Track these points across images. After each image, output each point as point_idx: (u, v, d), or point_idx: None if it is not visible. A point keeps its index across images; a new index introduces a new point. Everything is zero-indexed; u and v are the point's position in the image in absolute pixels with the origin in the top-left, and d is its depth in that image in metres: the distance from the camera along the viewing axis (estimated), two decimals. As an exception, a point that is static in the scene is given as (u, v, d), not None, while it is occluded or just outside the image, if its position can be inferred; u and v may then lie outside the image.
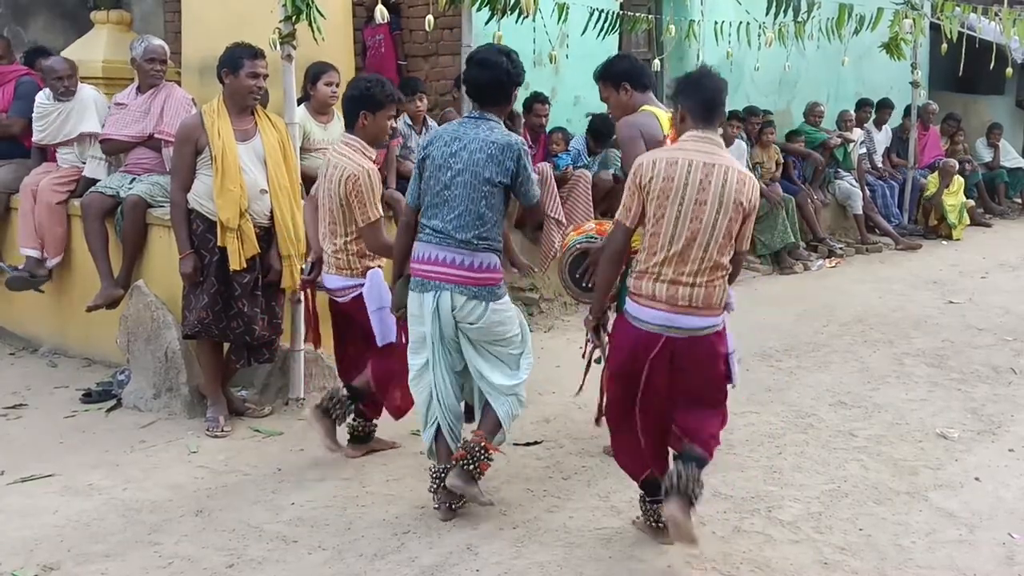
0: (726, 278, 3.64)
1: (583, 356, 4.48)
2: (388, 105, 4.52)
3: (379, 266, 4.61)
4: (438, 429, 4.15)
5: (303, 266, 5.05)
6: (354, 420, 4.79)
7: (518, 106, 7.99)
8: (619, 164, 7.67)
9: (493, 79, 4.00)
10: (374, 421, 4.87)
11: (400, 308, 4.25)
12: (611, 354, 3.85)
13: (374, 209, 4.41)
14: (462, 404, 4.23)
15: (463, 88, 6.53)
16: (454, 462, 4.02)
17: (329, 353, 5.35)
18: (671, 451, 3.84)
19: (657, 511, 3.85)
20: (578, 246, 4.65)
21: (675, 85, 3.84)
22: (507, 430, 4.18)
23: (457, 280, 3.94)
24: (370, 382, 4.63)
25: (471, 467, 3.99)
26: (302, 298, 5.16)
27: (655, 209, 3.56)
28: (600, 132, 7.87)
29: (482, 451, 4.01)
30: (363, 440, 4.86)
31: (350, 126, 4.54)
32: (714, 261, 3.56)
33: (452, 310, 3.96)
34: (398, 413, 4.75)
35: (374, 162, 6.50)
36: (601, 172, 7.90)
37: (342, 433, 4.81)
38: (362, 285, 4.52)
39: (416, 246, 4.06)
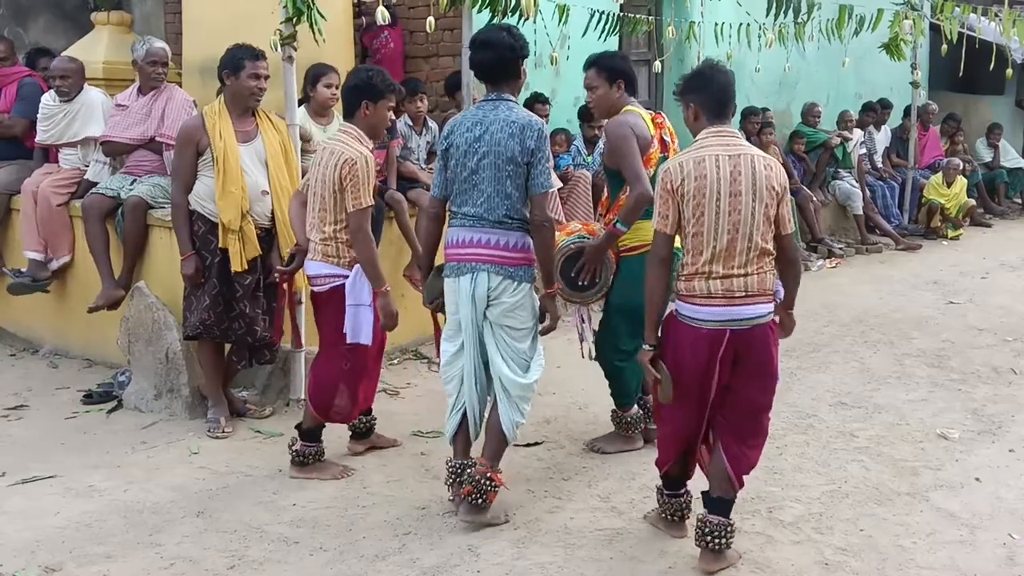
0: (773, 263, 3.67)
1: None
2: (388, 95, 4.50)
3: None
4: (462, 418, 4.16)
5: (271, 257, 5.05)
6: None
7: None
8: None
9: (498, 57, 4.03)
10: (373, 416, 4.87)
11: (433, 300, 4.28)
12: (667, 355, 3.70)
13: (367, 196, 4.34)
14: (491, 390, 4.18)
15: (457, 88, 6.58)
16: (461, 497, 4.03)
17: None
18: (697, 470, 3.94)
19: (676, 504, 3.94)
20: (571, 246, 4.62)
21: (684, 82, 3.80)
22: (513, 439, 4.16)
23: (494, 260, 3.97)
24: (307, 385, 4.57)
25: (480, 501, 4.00)
26: (282, 291, 5.11)
27: (693, 210, 3.55)
28: (592, 114, 7.86)
29: (488, 482, 4.00)
30: (363, 435, 4.86)
31: (350, 115, 4.47)
32: (760, 248, 3.60)
33: (487, 289, 3.98)
34: (339, 419, 4.61)
35: (376, 163, 6.58)
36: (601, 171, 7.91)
37: (342, 431, 4.82)
38: (345, 277, 4.39)
39: (449, 232, 4.10)
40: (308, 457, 4.58)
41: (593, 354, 4.87)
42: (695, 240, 3.58)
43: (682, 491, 3.96)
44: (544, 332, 4.20)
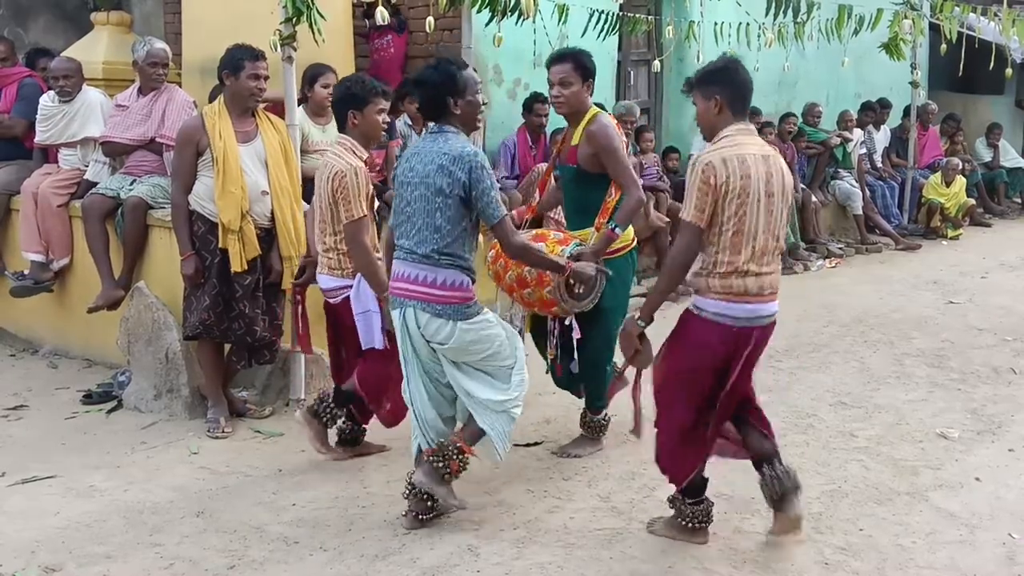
0: None
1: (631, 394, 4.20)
2: (373, 99, 4.47)
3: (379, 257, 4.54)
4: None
5: (295, 269, 5.09)
6: (343, 423, 4.78)
7: (517, 106, 8.01)
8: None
9: (425, 96, 3.96)
10: (364, 426, 4.84)
11: (391, 324, 4.26)
12: (685, 353, 3.71)
13: (359, 207, 4.34)
14: (453, 420, 4.12)
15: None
16: (424, 458, 3.96)
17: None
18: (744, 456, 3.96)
19: (701, 511, 3.89)
20: (571, 255, 4.43)
21: (707, 75, 3.75)
22: (503, 450, 4.05)
23: (419, 296, 3.87)
24: (356, 388, 4.60)
25: (440, 464, 3.92)
26: (295, 302, 5.16)
27: (736, 208, 3.55)
28: None
29: (455, 450, 3.93)
30: (351, 443, 4.84)
31: (342, 128, 4.54)
32: (779, 247, 3.71)
33: (418, 327, 3.89)
34: (387, 421, 4.69)
35: (375, 163, 6.58)
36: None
37: (333, 435, 4.83)
38: (351, 287, 4.48)
39: (392, 265, 4.05)
40: (325, 414, 4.64)
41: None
42: (734, 238, 3.58)
43: (704, 496, 3.93)
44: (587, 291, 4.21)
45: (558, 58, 4.66)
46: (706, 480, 3.91)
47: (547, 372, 4.98)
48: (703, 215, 3.57)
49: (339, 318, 4.66)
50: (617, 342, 3.96)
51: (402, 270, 3.93)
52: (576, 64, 4.60)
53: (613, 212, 4.57)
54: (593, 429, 4.93)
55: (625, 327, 3.82)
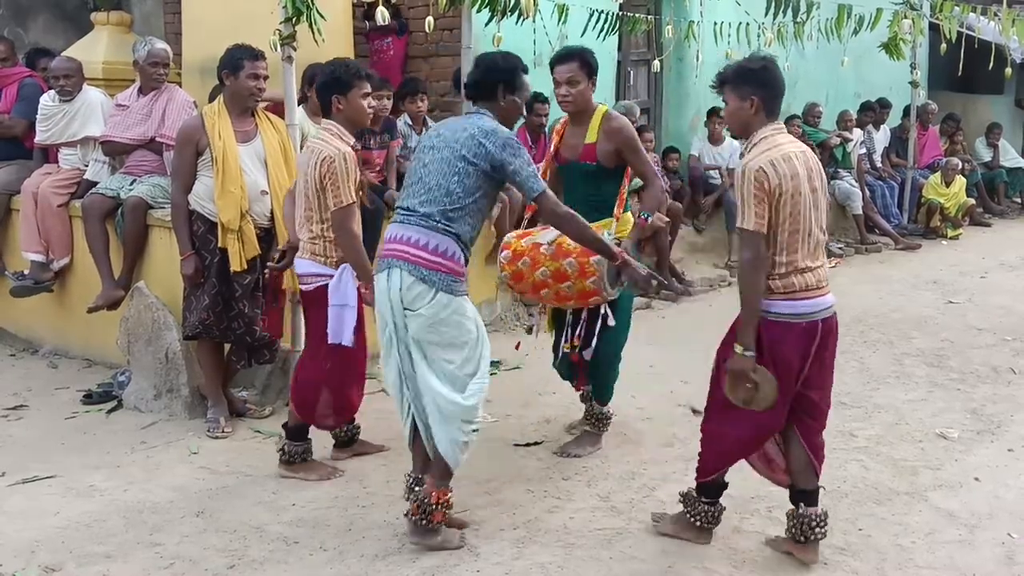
0: None
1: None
2: (357, 83, 4.36)
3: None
4: (414, 426, 3.90)
5: (273, 254, 5.01)
6: None
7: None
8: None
9: (478, 75, 3.95)
10: (357, 424, 4.82)
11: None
12: (768, 359, 3.64)
13: (348, 193, 4.28)
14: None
15: (461, 90, 6.60)
16: (409, 517, 3.84)
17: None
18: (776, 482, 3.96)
19: (713, 512, 3.90)
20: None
21: (745, 74, 3.69)
22: (456, 463, 3.82)
23: (408, 258, 3.71)
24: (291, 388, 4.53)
25: (424, 521, 3.80)
26: (281, 292, 5.10)
27: (791, 208, 3.57)
28: None
29: (433, 504, 3.79)
30: (346, 444, 4.81)
31: (327, 114, 4.43)
32: (825, 239, 3.75)
33: (400, 290, 3.71)
34: (325, 424, 4.62)
35: (376, 163, 6.58)
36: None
37: (325, 438, 4.82)
38: (331, 276, 4.37)
39: (386, 229, 3.91)
40: (294, 456, 4.57)
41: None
42: (791, 238, 3.60)
43: (719, 500, 3.94)
44: (655, 289, 4.06)
45: (563, 57, 4.68)
46: (726, 484, 3.93)
47: (556, 365, 5.00)
48: (763, 221, 3.55)
49: (307, 305, 4.57)
50: (728, 388, 3.71)
51: (396, 232, 3.79)
52: (582, 62, 4.63)
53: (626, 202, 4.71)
54: (598, 422, 4.94)
55: (736, 367, 3.61)
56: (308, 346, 4.61)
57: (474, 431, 3.84)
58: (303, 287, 4.54)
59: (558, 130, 4.87)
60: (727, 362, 3.68)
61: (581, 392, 5.09)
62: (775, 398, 3.62)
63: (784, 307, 3.61)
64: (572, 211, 3.96)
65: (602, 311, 4.65)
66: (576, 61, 4.62)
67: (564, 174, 4.83)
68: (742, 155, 3.75)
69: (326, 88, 4.39)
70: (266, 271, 5.09)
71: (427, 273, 3.71)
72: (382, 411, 5.53)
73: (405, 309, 3.74)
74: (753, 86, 3.65)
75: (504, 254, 4.60)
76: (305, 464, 4.61)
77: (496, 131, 3.79)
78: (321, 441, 4.80)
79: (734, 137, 3.72)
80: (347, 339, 4.35)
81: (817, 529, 3.74)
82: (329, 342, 4.38)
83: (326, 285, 4.38)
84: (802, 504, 3.77)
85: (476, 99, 3.94)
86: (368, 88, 4.46)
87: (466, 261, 3.82)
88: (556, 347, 4.94)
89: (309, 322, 4.58)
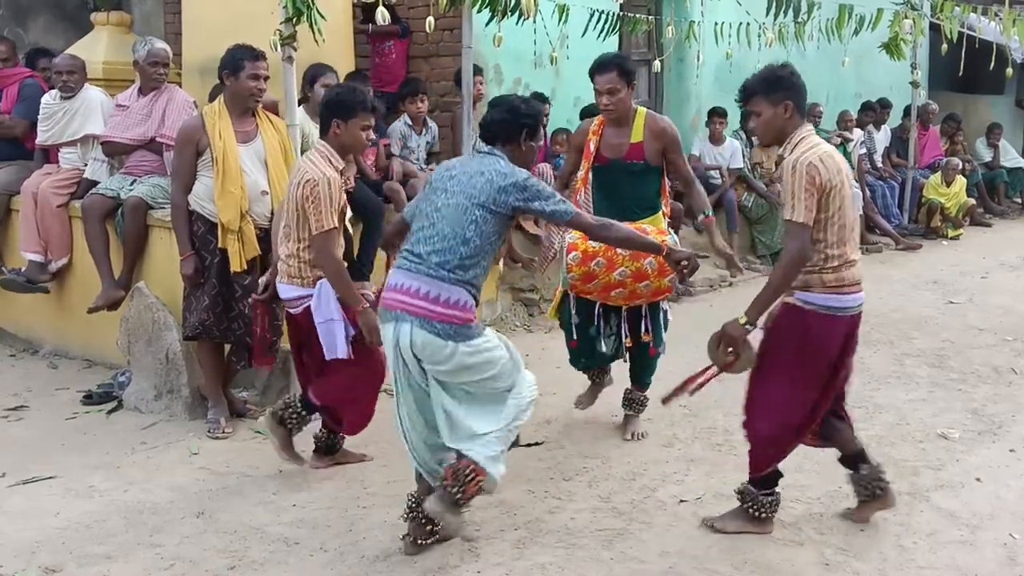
0: None
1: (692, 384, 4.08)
2: (360, 113, 4.31)
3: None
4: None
5: (260, 281, 4.88)
6: (320, 431, 4.67)
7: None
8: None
9: (500, 117, 3.86)
10: (341, 434, 4.69)
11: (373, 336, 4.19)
12: (803, 350, 3.80)
13: (329, 218, 4.21)
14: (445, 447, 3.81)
15: (462, 89, 6.61)
16: (438, 481, 3.69)
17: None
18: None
19: (773, 501, 3.99)
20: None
21: (774, 82, 3.84)
22: (497, 475, 3.71)
23: (417, 312, 3.60)
24: (316, 402, 4.50)
25: (456, 490, 3.61)
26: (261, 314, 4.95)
27: (840, 202, 3.69)
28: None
29: (471, 473, 3.63)
30: (327, 452, 4.70)
31: (323, 133, 4.38)
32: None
33: (411, 345, 3.62)
34: (351, 431, 4.63)
35: (374, 161, 6.58)
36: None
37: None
38: (312, 296, 4.33)
39: (390, 274, 3.83)
40: (291, 420, 4.51)
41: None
42: (841, 232, 3.72)
43: (776, 488, 4.03)
44: (691, 272, 4.17)
45: (602, 67, 4.78)
46: (780, 473, 4.02)
47: (577, 361, 5.13)
48: (812, 215, 3.65)
49: (300, 328, 4.50)
50: (712, 342, 3.84)
51: (402, 281, 3.68)
52: (621, 71, 4.76)
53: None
54: (640, 405, 5.11)
55: (730, 331, 3.75)
56: (325, 364, 4.46)
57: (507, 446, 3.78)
58: (291, 311, 4.50)
59: (595, 131, 4.92)
60: (725, 324, 3.78)
61: (596, 377, 5.27)
62: (747, 370, 3.84)
63: (833, 300, 3.76)
64: (604, 219, 4.07)
65: (662, 306, 4.93)
66: (615, 71, 4.75)
67: (604, 174, 4.93)
68: (781, 157, 3.87)
69: (329, 109, 4.34)
70: (252, 300, 4.99)
71: (440, 327, 3.60)
72: (383, 411, 5.52)
73: (420, 362, 3.67)
74: (785, 91, 3.83)
75: (572, 255, 4.71)
76: (286, 436, 4.53)
77: (514, 176, 3.71)
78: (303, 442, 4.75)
79: (766, 145, 3.84)
80: (342, 352, 4.31)
81: (884, 477, 4.02)
82: (326, 358, 4.37)
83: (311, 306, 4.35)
84: (860, 464, 4.02)
85: (494, 140, 3.83)
86: (370, 122, 4.41)
87: (476, 303, 3.73)
88: (583, 345, 5.01)
89: (315, 342, 4.42)
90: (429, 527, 3.80)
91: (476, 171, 3.73)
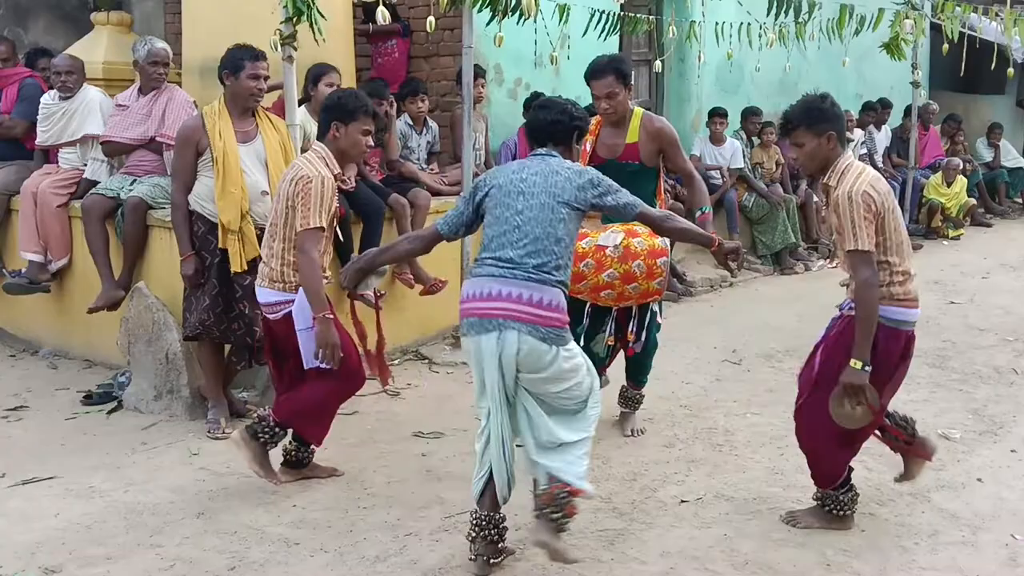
0: None
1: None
2: (361, 117, 4.25)
3: (327, 278, 4.36)
4: (488, 480, 3.70)
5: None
6: (290, 443, 4.50)
7: (518, 106, 8.00)
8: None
9: (554, 118, 3.83)
10: (312, 448, 4.53)
11: (353, 285, 4.04)
12: (887, 364, 3.90)
13: (318, 217, 4.11)
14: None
15: (463, 89, 6.60)
16: (536, 509, 3.53)
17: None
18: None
19: (852, 496, 4.07)
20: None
21: (816, 114, 3.90)
22: (590, 490, 3.65)
23: (526, 318, 3.47)
24: (275, 417, 4.35)
25: (557, 516, 3.47)
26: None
27: (894, 222, 3.87)
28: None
29: (566, 496, 3.51)
30: (296, 465, 4.53)
31: (322, 135, 4.31)
32: None
33: (516, 354, 3.48)
34: (316, 443, 4.51)
35: (372, 163, 6.58)
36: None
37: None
38: (293, 302, 4.22)
39: (470, 283, 3.63)
40: (263, 433, 4.32)
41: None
42: (900, 248, 3.87)
43: (852, 483, 4.10)
44: (739, 265, 4.19)
45: (598, 72, 4.81)
46: (852, 469, 4.10)
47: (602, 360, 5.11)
48: (874, 240, 3.78)
49: (276, 336, 4.38)
50: (836, 400, 3.86)
51: (499, 288, 3.52)
52: (618, 75, 4.80)
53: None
54: (636, 403, 5.20)
55: (852, 380, 3.77)
56: (301, 374, 4.34)
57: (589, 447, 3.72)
58: (270, 316, 4.36)
59: (591, 131, 4.91)
60: (842, 378, 3.81)
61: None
62: (867, 419, 3.88)
63: (898, 314, 3.87)
64: (666, 211, 4.15)
65: (652, 308, 4.94)
66: (612, 75, 4.79)
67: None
68: (827, 185, 3.93)
69: (329, 112, 4.27)
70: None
71: (546, 332, 3.51)
72: (384, 412, 5.54)
73: (520, 372, 3.55)
74: (827, 123, 3.90)
75: None
76: (259, 449, 4.34)
77: (587, 172, 3.73)
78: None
79: (810, 175, 3.94)
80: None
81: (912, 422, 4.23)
82: (306, 368, 4.26)
83: (291, 312, 4.24)
84: (887, 418, 4.13)
85: (546, 141, 3.81)
86: (370, 127, 4.33)
87: None
88: (599, 348, 5.02)
89: (294, 349, 4.30)
90: (500, 544, 3.73)
91: (550, 170, 3.68)
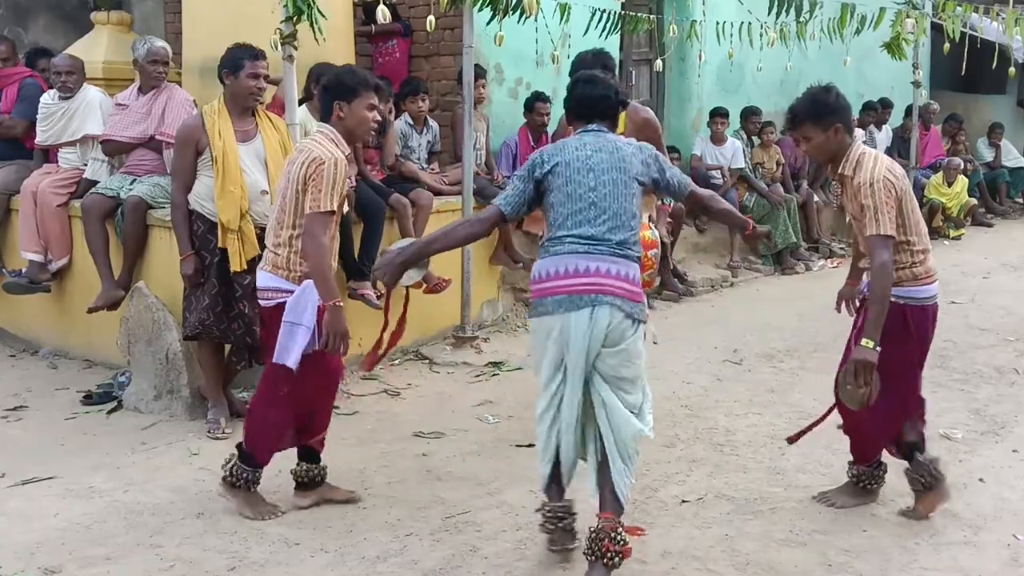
0: None
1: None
2: (363, 92, 4.03)
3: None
4: (554, 467, 3.70)
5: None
6: (297, 465, 4.29)
7: (519, 106, 8.00)
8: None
9: (601, 94, 3.79)
10: (323, 465, 4.31)
11: (394, 282, 3.85)
12: (911, 342, 4.01)
13: (330, 200, 3.90)
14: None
15: (464, 89, 6.58)
16: (590, 552, 3.50)
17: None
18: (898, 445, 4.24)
19: (879, 473, 4.27)
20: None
21: (822, 108, 3.99)
22: (625, 501, 3.64)
23: (618, 292, 3.49)
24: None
25: (616, 560, 3.49)
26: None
27: (911, 203, 3.97)
28: None
29: (620, 538, 3.51)
30: (309, 486, 4.28)
31: (326, 118, 4.11)
32: None
33: (607, 327, 3.47)
34: (318, 446, 4.31)
35: (374, 162, 6.57)
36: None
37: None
38: (291, 293, 4.00)
39: (551, 261, 3.56)
40: (239, 480, 4.13)
41: None
42: (918, 226, 3.98)
43: (881, 460, 4.27)
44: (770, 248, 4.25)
45: (583, 67, 4.74)
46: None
47: None
48: (893, 223, 3.85)
49: (263, 322, 4.28)
50: (849, 376, 3.91)
51: (585, 264, 3.50)
52: (603, 69, 4.70)
53: None
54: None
55: (865, 356, 3.82)
56: (267, 365, 4.14)
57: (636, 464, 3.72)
58: (262, 302, 4.15)
59: None
60: (854, 352, 3.91)
61: None
62: (865, 403, 3.91)
63: (924, 291, 4.00)
64: (711, 191, 4.18)
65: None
66: (597, 69, 4.71)
67: None
68: (841, 175, 4.01)
69: (329, 92, 4.11)
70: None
71: (632, 307, 3.53)
72: (384, 412, 5.53)
73: (604, 345, 3.52)
74: (834, 116, 3.97)
75: None
76: (247, 494, 4.17)
77: (647, 148, 3.77)
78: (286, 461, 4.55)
79: (819, 166, 4.01)
80: (292, 361, 3.96)
81: (939, 465, 4.13)
82: (273, 360, 4.02)
83: (285, 302, 4.01)
84: (917, 453, 4.12)
85: (593, 117, 3.77)
86: (375, 100, 4.11)
87: None
88: None
89: (269, 339, 4.11)
90: (572, 531, 3.78)
91: (615, 146, 3.68)
